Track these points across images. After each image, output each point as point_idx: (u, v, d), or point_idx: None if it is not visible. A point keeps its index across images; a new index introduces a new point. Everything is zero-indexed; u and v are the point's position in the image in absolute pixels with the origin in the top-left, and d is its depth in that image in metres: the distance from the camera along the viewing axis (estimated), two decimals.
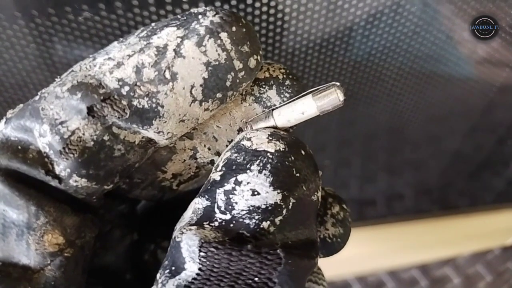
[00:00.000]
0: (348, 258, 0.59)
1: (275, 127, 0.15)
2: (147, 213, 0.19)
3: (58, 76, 0.14)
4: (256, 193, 0.13)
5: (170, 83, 0.13)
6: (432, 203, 0.63)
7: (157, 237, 0.19)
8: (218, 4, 0.28)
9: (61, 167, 0.13)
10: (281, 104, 0.15)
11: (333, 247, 0.17)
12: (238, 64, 0.14)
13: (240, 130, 0.16)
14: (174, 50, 0.13)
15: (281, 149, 0.13)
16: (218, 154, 0.17)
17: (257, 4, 0.29)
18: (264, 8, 0.30)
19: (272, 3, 0.29)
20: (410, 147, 0.56)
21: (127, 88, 0.13)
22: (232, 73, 0.14)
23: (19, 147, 0.14)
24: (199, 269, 0.12)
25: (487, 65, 0.44)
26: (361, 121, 0.49)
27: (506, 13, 0.36)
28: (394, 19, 0.35)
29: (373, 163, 0.56)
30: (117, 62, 0.13)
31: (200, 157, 0.17)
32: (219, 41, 0.13)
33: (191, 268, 0.12)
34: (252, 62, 0.14)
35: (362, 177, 0.57)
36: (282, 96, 0.15)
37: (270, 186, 0.13)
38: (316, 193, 0.14)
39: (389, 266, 0.68)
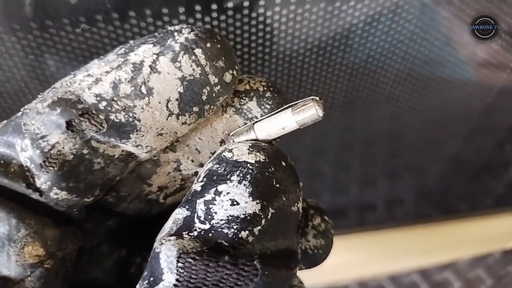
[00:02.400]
0: (349, 263, 0.59)
1: (256, 140, 0.15)
2: (135, 228, 0.19)
3: (41, 93, 0.15)
4: (235, 203, 0.13)
5: (146, 98, 0.14)
6: (432, 207, 0.63)
7: (143, 251, 0.19)
8: (214, 14, 0.28)
9: (42, 180, 0.14)
10: (262, 118, 0.16)
11: (314, 258, 0.17)
12: (213, 79, 0.14)
13: (222, 142, 0.17)
14: (150, 66, 0.14)
15: (261, 160, 0.14)
16: (202, 165, 0.17)
17: (254, 14, 0.29)
18: (261, 17, 0.30)
19: (269, 11, 0.30)
20: (410, 151, 0.56)
21: (104, 103, 0.14)
22: (208, 88, 0.14)
23: (1, 162, 0.14)
24: (177, 279, 0.12)
25: (486, 68, 0.44)
26: (360, 126, 0.49)
27: (506, 14, 0.36)
28: (392, 24, 0.35)
29: (373, 168, 0.56)
30: (95, 79, 0.14)
31: (184, 169, 0.17)
32: (193, 57, 0.14)
33: (168, 279, 0.12)
34: (227, 77, 0.14)
35: (362, 182, 0.57)
36: (262, 107, 0.16)
37: (249, 196, 0.13)
38: (296, 204, 0.14)
39: (390, 270, 0.68)
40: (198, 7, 0.28)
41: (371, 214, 0.60)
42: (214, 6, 0.28)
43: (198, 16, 0.28)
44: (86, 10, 0.26)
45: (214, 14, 0.28)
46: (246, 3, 0.28)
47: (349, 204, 0.59)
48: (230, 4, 0.28)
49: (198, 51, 0.14)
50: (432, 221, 0.62)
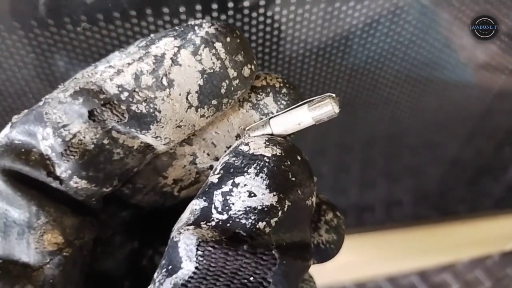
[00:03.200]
0: (347, 264, 0.59)
1: (272, 135, 0.15)
2: (148, 220, 0.20)
3: (62, 84, 0.15)
4: (252, 194, 0.13)
5: (167, 89, 0.14)
6: (431, 209, 0.63)
7: (155, 243, 0.20)
8: (215, 13, 0.29)
9: (62, 168, 0.14)
10: (278, 113, 0.16)
11: (326, 253, 0.18)
12: (232, 73, 0.14)
13: (238, 136, 0.17)
14: (171, 58, 0.14)
15: (278, 154, 0.14)
16: (217, 159, 0.17)
17: (254, 14, 0.30)
18: (261, 18, 0.30)
19: (269, 12, 0.30)
20: (409, 153, 0.56)
21: (126, 93, 0.14)
22: (227, 81, 0.14)
23: (23, 150, 0.14)
24: (196, 267, 0.12)
25: (485, 70, 0.44)
26: (359, 127, 0.49)
27: (506, 15, 0.37)
28: (391, 26, 0.36)
29: (372, 169, 0.56)
30: (117, 70, 0.14)
31: (199, 163, 0.18)
32: (214, 51, 0.14)
33: (187, 267, 0.12)
34: (246, 71, 0.14)
35: (361, 183, 0.57)
36: (278, 103, 0.16)
37: (266, 188, 0.13)
38: (310, 198, 0.15)
39: (388, 272, 0.68)
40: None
41: (370, 215, 0.61)
42: (214, 6, 0.28)
43: (198, 15, 0.28)
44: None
45: (214, 13, 0.29)
46: (246, 3, 0.29)
47: (348, 205, 0.59)
48: (230, 4, 0.28)
49: (218, 45, 0.14)
50: (431, 223, 0.62)
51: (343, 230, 0.18)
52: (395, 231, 0.60)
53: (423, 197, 0.62)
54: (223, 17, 0.29)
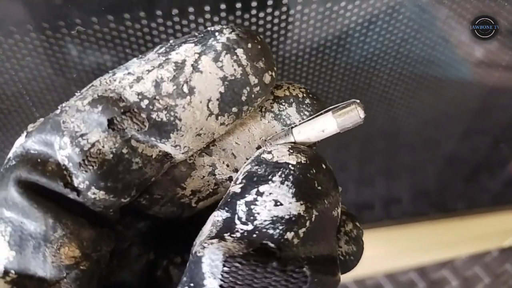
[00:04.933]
0: None
1: (294, 143, 0.15)
2: (163, 231, 0.19)
3: (79, 91, 0.14)
4: (279, 203, 0.13)
5: (188, 97, 0.13)
6: (430, 206, 0.64)
7: (170, 253, 0.19)
8: (208, 16, 0.29)
9: (80, 179, 0.14)
10: (300, 122, 0.15)
11: (346, 265, 0.17)
12: (253, 79, 0.14)
13: (259, 147, 0.16)
14: (192, 65, 0.13)
15: (303, 162, 0.13)
16: (236, 171, 0.17)
17: (246, 16, 0.30)
18: (253, 18, 0.30)
19: (261, 12, 0.30)
20: (406, 150, 0.56)
21: (146, 101, 0.13)
22: (248, 88, 0.14)
23: (39, 160, 0.14)
24: (220, 285, 0.12)
25: (480, 66, 0.44)
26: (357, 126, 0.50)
27: (505, 16, 0.37)
28: (388, 24, 0.36)
29: (370, 167, 0.56)
30: (136, 77, 0.14)
31: (218, 174, 0.17)
32: (235, 57, 0.13)
33: (210, 285, 0.12)
34: (267, 78, 0.14)
35: (359, 181, 0.57)
36: (301, 114, 0.16)
37: (293, 197, 0.13)
38: (336, 208, 0.14)
39: (387, 269, 0.69)
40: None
41: (368, 212, 0.61)
42: (207, 8, 0.28)
43: (207, 16, 0.28)
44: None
45: (207, 16, 0.29)
46: (238, 5, 0.29)
47: (346, 203, 0.59)
48: (223, 6, 0.29)
49: (239, 51, 0.14)
50: (429, 219, 0.62)
51: (363, 241, 0.17)
52: (394, 228, 0.60)
53: (421, 194, 0.62)
54: (216, 18, 0.29)
